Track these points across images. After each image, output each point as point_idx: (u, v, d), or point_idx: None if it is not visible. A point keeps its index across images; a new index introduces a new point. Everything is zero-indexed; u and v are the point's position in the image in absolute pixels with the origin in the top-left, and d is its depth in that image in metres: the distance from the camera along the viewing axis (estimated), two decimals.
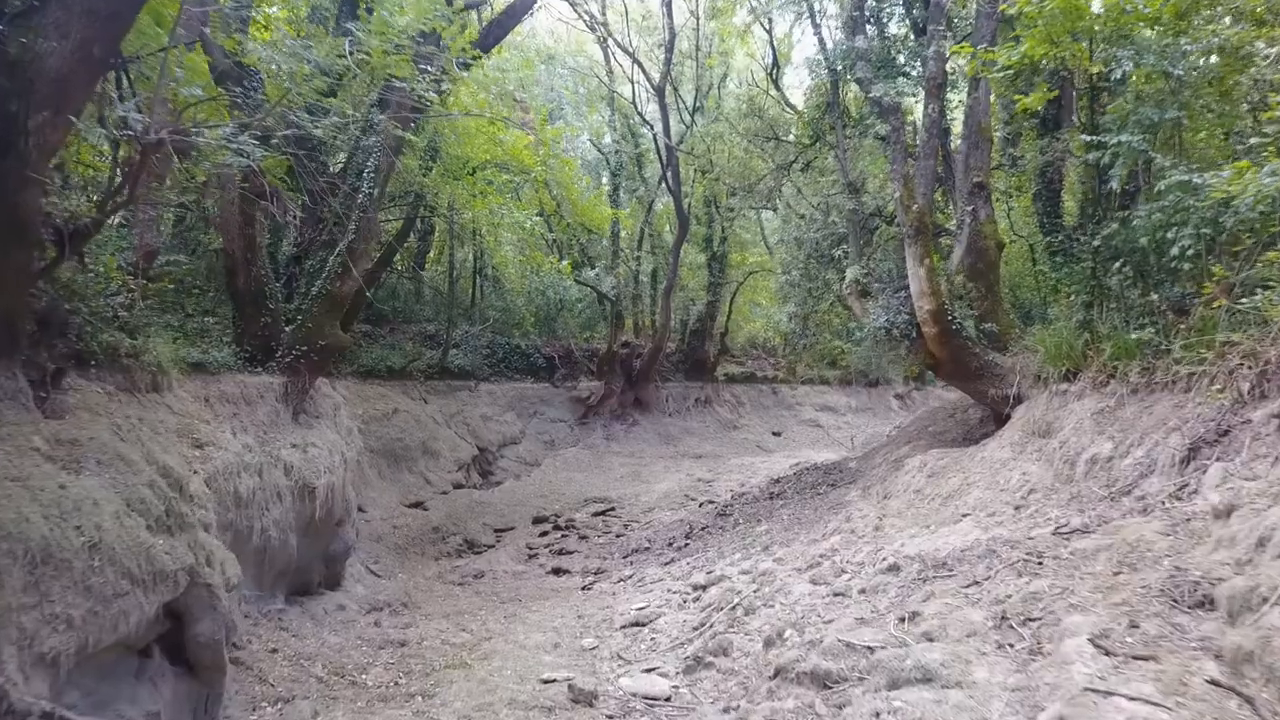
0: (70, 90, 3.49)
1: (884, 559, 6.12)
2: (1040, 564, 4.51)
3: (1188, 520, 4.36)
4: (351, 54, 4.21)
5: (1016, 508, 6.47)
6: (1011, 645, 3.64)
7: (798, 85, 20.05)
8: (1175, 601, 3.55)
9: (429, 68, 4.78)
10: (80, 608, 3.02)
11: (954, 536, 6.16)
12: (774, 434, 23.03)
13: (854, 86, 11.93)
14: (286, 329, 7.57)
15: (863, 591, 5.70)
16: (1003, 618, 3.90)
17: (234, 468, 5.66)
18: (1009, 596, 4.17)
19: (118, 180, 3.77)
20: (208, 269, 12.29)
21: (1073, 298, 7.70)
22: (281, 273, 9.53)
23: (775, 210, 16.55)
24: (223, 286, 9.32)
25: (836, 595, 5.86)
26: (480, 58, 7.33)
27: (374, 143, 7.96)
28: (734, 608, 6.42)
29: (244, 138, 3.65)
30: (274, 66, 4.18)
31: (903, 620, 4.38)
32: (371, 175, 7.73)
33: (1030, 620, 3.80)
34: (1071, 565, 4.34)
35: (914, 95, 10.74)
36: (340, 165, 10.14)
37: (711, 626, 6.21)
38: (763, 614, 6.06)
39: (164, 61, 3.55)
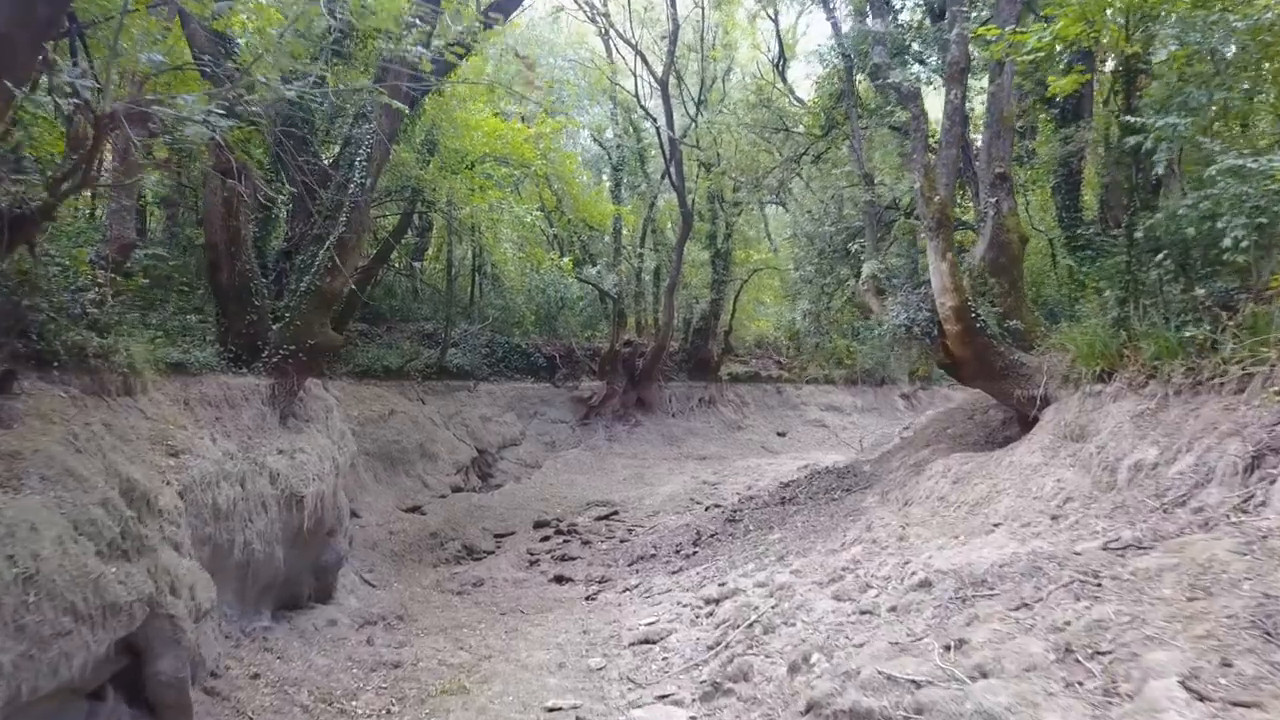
0: (11, 54, 3.06)
1: (913, 573, 5.71)
2: (1099, 585, 4.08)
3: (1264, 537, 3.93)
4: (334, 13, 3.80)
5: (1053, 518, 6.05)
6: (1082, 684, 3.22)
7: (803, 79, 19.65)
8: (1269, 635, 3.12)
9: (422, 21, 4.34)
10: (11, 652, 2.59)
11: (988, 549, 5.73)
12: (779, 434, 22.61)
13: (864, 77, 11.51)
14: (274, 327, 7.14)
15: (893, 610, 5.28)
16: (1067, 650, 3.48)
17: (213, 477, 5.23)
18: (1068, 624, 3.74)
19: (72, 160, 3.33)
20: (197, 265, 11.87)
21: (1107, 293, 7.26)
22: (271, 268, 9.10)
23: (783, 206, 16.11)
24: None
25: (863, 614, 5.45)
26: (484, 21, 6.85)
27: (366, 130, 7.52)
28: (751, 625, 6.00)
29: (209, 108, 3.22)
30: (246, 20, 3.76)
31: (948, 649, 3.95)
32: (363, 164, 7.29)
33: (1099, 654, 3.38)
34: (1135, 588, 3.91)
35: (929, 83, 10.31)
36: (332, 159, 9.73)
37: (728, 646, 5.79)
38: (783, 633, 5.64)
39: (120, 24, 3.12)
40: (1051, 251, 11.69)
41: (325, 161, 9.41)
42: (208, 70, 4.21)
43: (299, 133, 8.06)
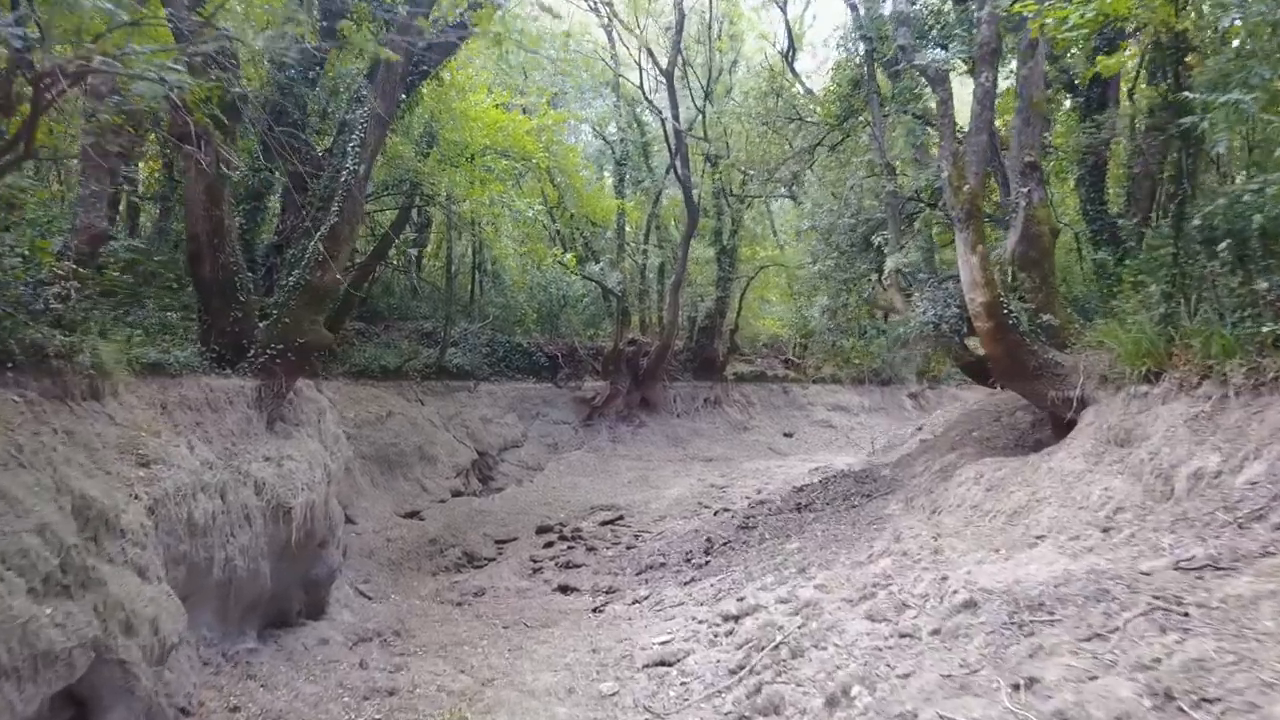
0: None
1: (953, 591, 5.23)
2: (1185, 615, 3.61)
3: None
4: None
5: (1105, 530, 5.58)
6: None
7: (810, 72, 19.17)
8: None
9: None
10: None
11: (1035, 565, 5.26)
12: (786, 435, 22.14)
13: (880, 66, 11.03)
14: (260, 325, 6.65)
15: (936, 634, 4.82)
16: (1166, 695, 3.00)
17: (189, 489, 4.75)
18: (1159, 661, 3.27)
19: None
20: (185, 261, 11.41)
21: (1153, 288, 6.79)
22: (260, 263, 8.63)
23: (794, 199, 15.60)
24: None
25: (903, 637, 4.98)
26: None
27: (361, 115, 7.04)
28: (777, 647, 5.53)
29: (167, 63, 2.73)
30: None
31: (1017, 688, 3.48)
32: (357, 150, 6.81)
33: (1206, 701, 2.90)
34: (1230, 619, 3.44)
35: (952, 69, 9.81)
36: (326, 148, 9.27)
37: (753, 671, 5.31)
38: (814, 658, 5.16)
39: None
40: (1077, 245, 11.21)
41: (319, 151, 8.95)
42: (172, 24, 3.72)
43: (292, 116, 7.59)
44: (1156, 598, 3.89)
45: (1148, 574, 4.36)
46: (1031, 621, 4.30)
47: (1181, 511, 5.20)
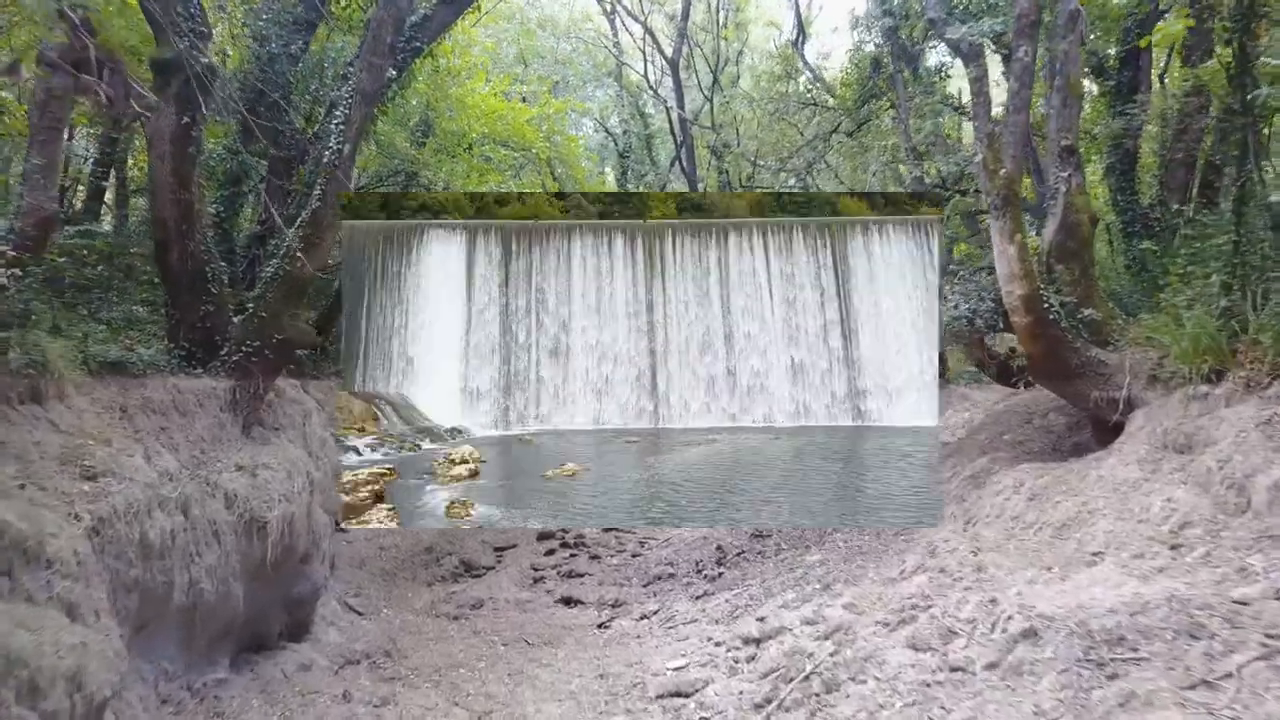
0: None
1: (1006, 616, 4.65)
2: None
3: None
4: None
5: (1173, 548, 4.98)
6: None
7: (817, 60, 18.53)
8: None
9: None
10: None
11: (1098, 588, 4.67)
12: None
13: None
14: (235, 319, 6.07)
15: (993, 668, 4.26)
16: None
17: (143, 505, 4.18)
18: None
19: None
20: None
21: (1214, 278, 6.21)
22: (241, 254, 8.05)
23: (806, 190, 15.04)
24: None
25: (954, 671, 4.41)
26: None
27: (346, 91, 6.46)
28: (808, 678, 4.96)
29: None
30: None
31: None
32: (340, 127, 6.22)
33: None
34: None
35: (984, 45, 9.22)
36: (313, 133, 8.70)
37: (783, 707, 4.74)
38: (852, 693, 4.59)
39: None
40: (1108, 237, 10.64)
41: (307, 136, 8.38)
42: None
43: (274, 94, 7.01)
44: (1271, 636, 3.32)
45: (1244, 604, 3.78)
46: (1112, 659, 3.73)
47: (1264, 528, 4.62)
